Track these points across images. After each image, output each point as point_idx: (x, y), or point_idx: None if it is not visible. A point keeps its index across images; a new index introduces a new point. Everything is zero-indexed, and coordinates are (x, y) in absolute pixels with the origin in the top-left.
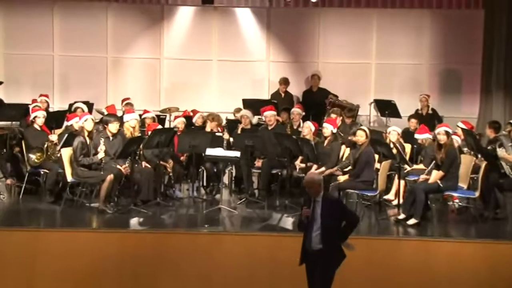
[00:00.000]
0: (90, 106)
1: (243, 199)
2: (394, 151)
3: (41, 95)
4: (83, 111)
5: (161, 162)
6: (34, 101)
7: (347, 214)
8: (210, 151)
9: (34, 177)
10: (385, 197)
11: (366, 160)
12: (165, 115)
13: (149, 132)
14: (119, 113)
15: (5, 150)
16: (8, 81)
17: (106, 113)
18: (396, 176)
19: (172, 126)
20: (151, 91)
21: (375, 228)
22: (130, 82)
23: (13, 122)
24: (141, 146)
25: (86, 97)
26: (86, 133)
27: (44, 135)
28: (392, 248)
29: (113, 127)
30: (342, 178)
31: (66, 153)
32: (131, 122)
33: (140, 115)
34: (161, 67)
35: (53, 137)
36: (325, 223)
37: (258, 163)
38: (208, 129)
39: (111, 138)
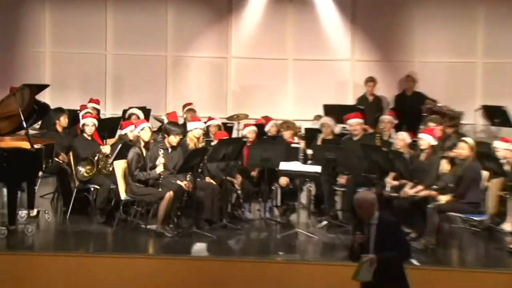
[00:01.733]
0: (147, 112)
1: (324, 222)
2: (507, 167)
3: (91, 100)
4: (138, 118)
5: (228, 178)
6: (83, 107)
7: (398, 242)
8: (285, 165)
9: (83, 193)
10: (502, 226)
11: (472, 177)
12: (233, 123)
13: (215, 142)
14: (180, 121)
15: (50, 162)
16: (55, 84)
17: (166, 120)
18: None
19: (240, 135)
20: (216, 95)
21: (485, 259)
22: (193, 85)
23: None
24: (205, 159)
25: (142, 102)
26: (142, 144)
27: (94, 146)
28: (508, 284)
29: (173, 139)
30: (443, 199)
31: (119, 167)
32: (195, 131)
33: (204, 123)
34: (228, 68)
35: (105, 148)
36: (381, 251)
37: (342, 179)
38: (283, 139)
39: (170, 149)
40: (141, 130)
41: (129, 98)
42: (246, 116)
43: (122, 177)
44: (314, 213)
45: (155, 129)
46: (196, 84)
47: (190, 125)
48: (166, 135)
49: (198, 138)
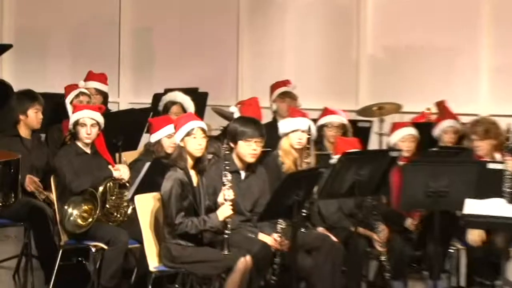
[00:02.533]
0: (199, 99)
1: None
2: None
3: (89, 76)
4: (183, 110)
5: (361, 230)
6: (70, 89)
7: None
8: (476, 206)
9: (76, 258)
10: None
11: None
12: (370, 121)
13: (334, 159)
14: (266, 116)
15: (13, 197)
16: (22, 46)
17: (236, 114)
18: None
19: (385, 146)
20: (337, 68)
21: None
22: (290, 49)
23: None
24: (315, 192)
25: (189, 81)
26: (190, 163)
27: (98, 165)
28: None
29: (249, 150)
30: None
31: (146, 207)
32: (294, 137)
33: (313, 120)
34: (360, 14)
35: (119, 171)
36: None
37: None
38: (472, 154)
39: (243, 173)
40: (188, 135)
41: (164, 75)
42: (396, 108)
43: (151, 228)
44: None
45: (217, 133)
46: (294, 46)
47: (285, 125)
48: (233, 144)
49: (300, 150)
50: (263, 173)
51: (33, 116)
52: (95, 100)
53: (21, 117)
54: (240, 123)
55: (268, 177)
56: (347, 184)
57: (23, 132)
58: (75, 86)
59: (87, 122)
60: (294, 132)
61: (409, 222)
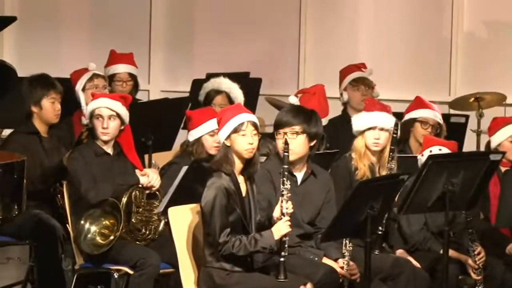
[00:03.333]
0: (249, 85)
1: None
2: None
3: (114, 58)
4: (230, 101)
5: (453, 253)
6: (81, 73)
7: None
8: None
9: (95, 285)
10: None
11: None
12: (465, 115)
13: (421, 159)
14: (334, 107)
15: (17, 210)
16: (27, 15)
17: (294, 103)
18: None
19: (484, 147)
20: (428, 46)
21: None
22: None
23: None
24: (394, 204)
25: (236, 64)
26: (239, 166)
27: (122, 170)
28: None
29: (300, 149)
30: None
31: (181, 222)
32: (371, 136)
33: (394, 115)
34: None
35: (148, 176)
36: None
37: None
38: None
39: (300, 176)
40: (236, 131)
41: (206, 56)
42: (499, 100)
43: (188, 248)
44: None
45: (272, 130)
46: (370, 22)
47: (359, 120)
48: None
49: (380, 152)
50: (327, 179)
51: (49, 108)
52: (127, 88)
53: (34, 109)
54: (293, 113)
55: (337, 186)
56: (435, 195)
57: (39, 127)
58: (84, 71)
59: (103, 113)
60: (370, 130)
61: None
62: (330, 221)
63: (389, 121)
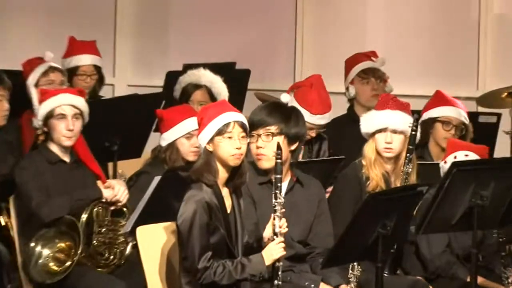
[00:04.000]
0: (235, 78)
1: None
2: None
3: (71, 43)
4: (211, 97)
5: (482, 280)
6: (34, 63)
7: None
8: None
9: None
10: None
11: None
12: (497, 114)
13: (444, 167)
14: (338, 104)
15: None
16: None
17: (293, 103)
18: None
19: None
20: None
21: None
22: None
23: None
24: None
25: (222, 50)
26: (223, 176)
27: (82, 180)
28: None
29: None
30: None
31: (152, 244)
32: (381, 140)
33: (414, 114)
34: None
35: (115, 189)
36: None
37: None
38: None
39: (285, 185)
40: (220, 134)
41: (184, 44)
42: None
43: (161, 276)
44: None
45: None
46: (381, 6)
47: (368, 120)
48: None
49: (396, 158)
50: (317, 187)
51: None
52: (91, 83)
53: None
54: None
55: (344, 199)
56: (461, 211)
57: None
58: (38, 61)
59: (67, 112)
60: (381, 133)
61: None
62: (325, 239)
63: (403, 122)
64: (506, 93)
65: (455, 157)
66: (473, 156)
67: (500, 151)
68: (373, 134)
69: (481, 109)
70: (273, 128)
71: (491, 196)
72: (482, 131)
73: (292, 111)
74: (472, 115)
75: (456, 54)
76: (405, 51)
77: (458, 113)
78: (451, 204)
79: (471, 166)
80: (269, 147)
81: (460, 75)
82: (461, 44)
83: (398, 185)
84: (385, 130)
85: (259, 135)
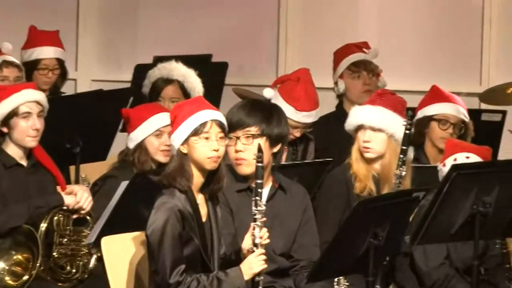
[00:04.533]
0: (212, 71)
1: None
2: None
3: (39, 37)
4: (183, 93)
5: None
6: None
7: None
8: None
9: None
10: None
11: None
12: (503, 111)
13: (442, 169)
14: (326, 100)
15: None
16: None
17: (276, 100)
18: None
19: None
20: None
21: None
22: None
23: None
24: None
25: (196, 41)
26: (198, 180)
27: (41, 185)
28: None
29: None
30: None
31: (119, 256)
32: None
33: (411, 110)
34: None
35: (77, 195)
36: None
37: None
38: None
39: (265, 192)
40: (195, 134)
41: (154, 34)
42: None
43: None
44: None
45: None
46: None
47: (352, 116)
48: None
49: (391, 157)
50: (301, 193)
51: None
52: (53, 78)
53: None
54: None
55: (331, 204)
56: (461, 219)
57: None
58: None
59: (33, 110)
60: (359, 131)
61: None
62: (311, 250)
63: (383, 118)
64: (511, 89)
65: (455, 160)
66: (475, 158)
67: (505, 152)
68: (356, 132)
69: (484, 106)
70: (253, 129)
71: (495, 202)
72: (485, 130)
73: (273, 109)
74: (474, 113)
75: (457, 45)
76: (400, 42)
77: (456, 110)
78: (450, 211)
79: (472, 169)
80: (249, 150)
81: (461, 68)
82: (462, 33)
83: (386, 190)
84: (363, 128)
85: (237, 138)
